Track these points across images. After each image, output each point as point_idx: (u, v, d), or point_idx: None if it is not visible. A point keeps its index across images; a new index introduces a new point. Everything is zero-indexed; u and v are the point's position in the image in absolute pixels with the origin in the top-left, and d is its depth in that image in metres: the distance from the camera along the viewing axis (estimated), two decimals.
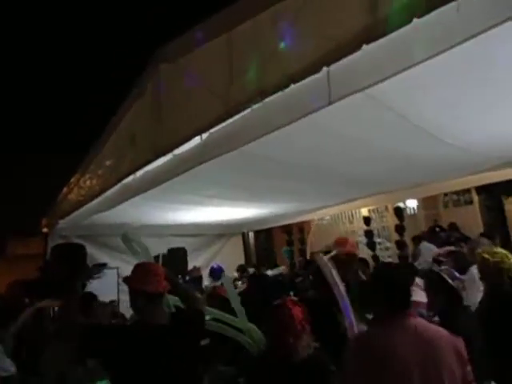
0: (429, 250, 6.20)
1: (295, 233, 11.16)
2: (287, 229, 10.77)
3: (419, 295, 2.89)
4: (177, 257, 5.99)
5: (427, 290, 2.76)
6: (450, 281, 2.63)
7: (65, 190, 4.75)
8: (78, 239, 5.34)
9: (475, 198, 8.51)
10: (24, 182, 10.78)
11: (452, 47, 1.42)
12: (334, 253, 2.74)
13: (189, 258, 6.37)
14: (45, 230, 5.32)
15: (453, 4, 1.25)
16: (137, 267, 2.23)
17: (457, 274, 2.81)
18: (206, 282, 6.42)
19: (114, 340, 1.99)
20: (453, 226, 7.88)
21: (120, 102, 3.49)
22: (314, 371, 2.00)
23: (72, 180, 4.54)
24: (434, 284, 2.69)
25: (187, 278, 5.94)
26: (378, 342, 1.76)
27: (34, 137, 10.81)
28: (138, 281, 2.10)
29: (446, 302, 2.57)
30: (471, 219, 8.28)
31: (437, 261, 5.00)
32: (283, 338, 2.02)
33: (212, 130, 2.31)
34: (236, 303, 2.75)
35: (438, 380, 1.61)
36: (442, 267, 2.92)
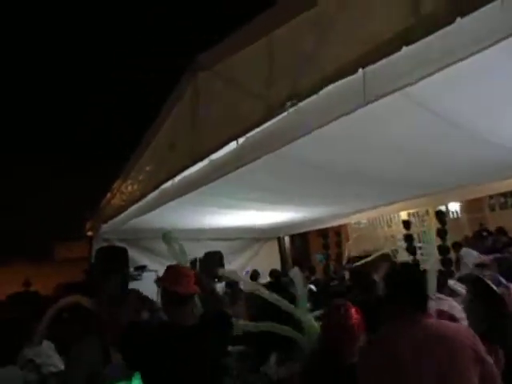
0: (471, 256, 5.92)
1: (331, 236, 11.02)
2: (323, 232, 10.66)
3: (447, 305, 2.80)
4: (213, 260, 6.08)
5: (471, 296, 2.65)
6: (494, 287, 2.49)
7: (108, 195, 4.95)
8: (120, 243, 5.55)
9: None
10: (68, 187, 11.33)
11: (493, 44, 1.37)
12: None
13: (225, 262, 6.45)
14: (89, 233, 5.56)
15: (496, 2, 1.21)
16: (168, 269, 2.30)
17: (502, 280, 2.64)
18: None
19: (142, 342, 2.03)
20: (500, 230, 7.48)
21: (158, 111, 3.61)
22: None
23: (114, 185, 4.72)
24: (477, 290, 2.56)
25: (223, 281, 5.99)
26: (388, 346, 1.75)
27: (80, 144, 11.29)
28: (169, 281, 2.16)
29: (489, 309, 2.43)
30: None
31: (480, 265, 4.76)
32: (340, 340, 2.03)
33: (248, 135, 2.35)
34: (302, 291, 2.80)
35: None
36: (486, 273, 2.76)
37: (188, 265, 3.52)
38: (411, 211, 8.93)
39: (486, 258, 4.85)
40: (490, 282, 2.48)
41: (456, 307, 2.87)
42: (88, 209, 5.77)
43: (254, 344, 2.98)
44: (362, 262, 4.64)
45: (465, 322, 2.58)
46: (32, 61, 9.02)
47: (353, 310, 2.12)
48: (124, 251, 5.15)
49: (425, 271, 2.00)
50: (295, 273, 3.18)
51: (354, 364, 1.96)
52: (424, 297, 1.84)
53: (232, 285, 5.53)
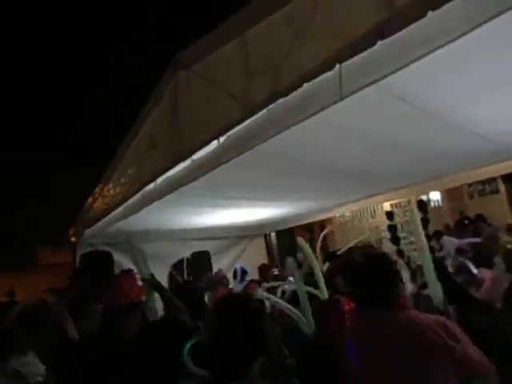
0: (451, 244, 6.07)
1: (317, 230, 11.12)
2: (309, 227, 10.75)
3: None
4: (201, 260, 6.08)
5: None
6: (451, 275, 2.52)
7: (90, 199, 4.88)
8: (105, 247, 5.48)
9: (502, 186, 8.28)
10: (50, 192, 11.12)
11: (464, 34, 1.41)
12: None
13: (212, 261, 6.45)
14: (72, 239, 5.47)
15: None
16: (109, 285, 2.26)
17: (471, 266, 2.67)
18: (231, 284, 6.47)
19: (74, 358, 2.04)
20: (480, 217, 7.69)
21: (138, 111, 3.57)
22: None
23: (96, 189, 4.66)
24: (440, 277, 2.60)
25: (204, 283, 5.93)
26: (360, 338, 1.77)
27: (62, 149, 11.10)
28: (108, 297, 2.13)
29: (451, 297, 2.46)
30: (498, 209, 8.06)
31: (459, 250, 4.88)
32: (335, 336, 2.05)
33: (229, 133, 2.35)
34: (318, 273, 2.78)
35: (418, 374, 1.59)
36: (460, 259, 2.82)
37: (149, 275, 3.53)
38: (394, 202, 9.07)
39: (463, 243, 4.99)
40: (450, 270, 2.51)
41: None
42: (71, 213, 5.68)
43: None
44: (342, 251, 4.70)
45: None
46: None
47: (348, 307, 2.12)
48: (109, 255, 5.10)
49: (388, 260, 1.91)
50: (290, 263, 3.17)
51: None
52: (385, 290, 1.78)
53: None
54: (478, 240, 4.87)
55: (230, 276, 6.69)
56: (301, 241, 3.00)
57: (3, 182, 10.44)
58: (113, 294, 2.12)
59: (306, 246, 2.92)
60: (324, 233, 6.68)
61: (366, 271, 1.83)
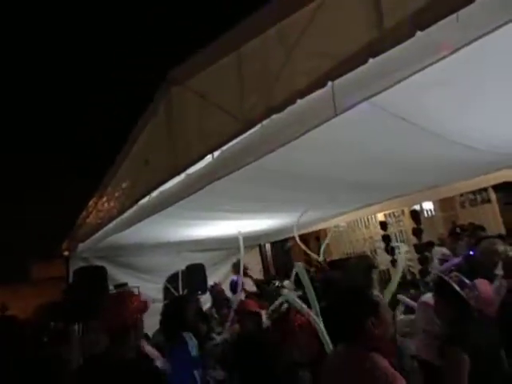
0: (438, 254, 6.11)
1: (312, 241, 11.11)
2: (303, 238, 10.73)
3: None
4: (196, 273, 6.04)
5: (436, 297, 2.70)
6: (458, 289, 2.51)
7: (84, 213, 4.85)
8: (98, 261, 5.44)
9: (493, 196, 8.36)
10: (44, 206, 11.03)
11: (454, 52, 1.45)
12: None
13: (207, 273, 6.41)
14: (65, 253, 5.42)
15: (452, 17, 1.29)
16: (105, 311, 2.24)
17: (467, 282, 2.67)
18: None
19: None
20: (476, 226, 7.66)
21: (131, 125, 3.58)
22: None
23: (90, 203, 4.64)
24: (443, 292, 2.57)
25: (207, 293, 5.95)
26: (328, 370, 1.81)
27: (54, 162, 11.05)
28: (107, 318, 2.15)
29: (454, 312, 2.43)
30: (490, 218, 8.13)
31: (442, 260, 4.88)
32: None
33: (223, 148, 2.37)
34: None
35: None
36: (452, 274, 2.80)
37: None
38: (387, 212, 9.12)
39: (455, 259, 4.98)
40: (454, 284, 2.50)
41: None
42: (64, 228, 5.64)
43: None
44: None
45: None
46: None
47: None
48: (102, 270, 5.05)
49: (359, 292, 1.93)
50: (299, 266, 3.11)
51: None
52: (343, 328, 1.77)
53: (218, 305, 5.48)
54: (471, 253, 4.85)
55: (225, 287, 6.68)
56: (299, 266, 3.01)
57: None
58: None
59: (303, 272, 2.91)
60: (325, 243, 6.75)
61: (335, 307, 1.87)
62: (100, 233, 4.45)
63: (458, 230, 7.69)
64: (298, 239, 5.37)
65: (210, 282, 6.21)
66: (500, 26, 1.31)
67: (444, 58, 1.50)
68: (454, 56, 1.48)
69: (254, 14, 2.09)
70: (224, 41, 2.33)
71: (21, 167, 10.93)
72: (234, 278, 6.80)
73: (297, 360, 2.50)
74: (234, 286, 6.50)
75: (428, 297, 3.35)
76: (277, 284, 6.24)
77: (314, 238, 11.07)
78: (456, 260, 4.89)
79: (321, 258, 5.39)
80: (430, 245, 7.25)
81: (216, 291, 5.82)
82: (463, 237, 7.15)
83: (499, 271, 3.35)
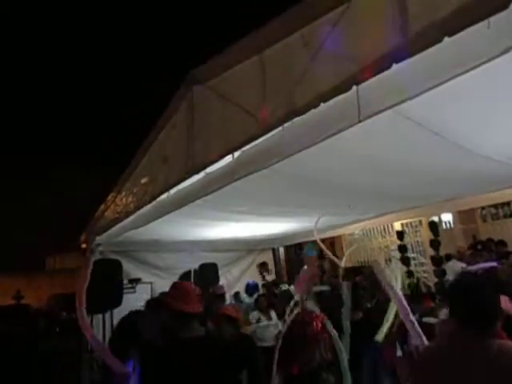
0: (455, 268, 5.98)
1: (326, 246, 11.02)
2: (307, 243, 10.64)
3: None
4: (208, 272, 6.07)
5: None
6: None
7: (102, 207, 4.93)
8: (114, 255, 5.51)
9: None
10: (62, 199, 11.26)
11: (483, 63, 1.41)
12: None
13: (220, 273, 6.44)
14: (83, 245, 5.52)
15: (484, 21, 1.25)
16: (176, 286, 2.28)
17: None
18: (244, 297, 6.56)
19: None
20: (498, 242, 7.44)
21: (153, 122, 3.63)
22: None
23: (109, 198, 4.71)
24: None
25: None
26: (444, 359, 1.67)
27: (72, 156, 11.28)
28: (175, 299, 2.16)
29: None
30: None
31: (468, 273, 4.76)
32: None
33: (244, 149, 2.37)
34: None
35: None
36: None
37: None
38: (404, 222, 8.97)
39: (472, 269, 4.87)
40: None
41: None
42: (82, 220, 5.74)
43: None
44: None
45: None
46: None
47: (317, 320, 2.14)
48: (118, 264, 5.13)
49: (492, 285, 1.79)
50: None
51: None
52: (489, 315, 1.67)
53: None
54: (492, 264, 4.74)
55: (241, 288, 6.74)
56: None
57: (14, 183, 10.62)
58: (187, 302, 2.15)
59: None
60: (350, 250, 6.70)
61: (475, 293, 1.72)
62: (117, 227, 4.51)
63: (479, 246, 7.44)
64: (320, 243, 5.32)
65: (222, 282, 6.25)
66: None
67: (473, 68, 1.47)
68: (482, 67, 1.45)
69: (279, 17, 2.10)
70: (247, 43, 2.34)
71: (40, 162, 11.20)
72: (250, 281, 6.85)
73: (319, 362, 2.51)
74: (248, 289, 6.57)
75: (445, 312, 3.28)
76: (285, 288, 6.24)
77: (328, 244, 10.96)
78: (484, 265, 4.78)
79: (342, 265, 5.36)
80: (449, 258, 7.08)
81: (218, 292, 5.83)
82: (483, 252, 6.96)
83: None
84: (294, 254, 11.30)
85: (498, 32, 1.32)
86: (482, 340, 1.60)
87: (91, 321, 4.93)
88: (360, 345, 3.31)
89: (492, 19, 1.24)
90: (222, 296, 5.87)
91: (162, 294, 2.31)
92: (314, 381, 2.38)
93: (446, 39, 1.38)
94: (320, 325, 2.53)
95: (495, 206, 8.19)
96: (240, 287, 6.96)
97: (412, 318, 2.27)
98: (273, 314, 5.50)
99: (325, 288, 5.37)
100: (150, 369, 2.04)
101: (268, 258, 8.28)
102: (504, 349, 1.56)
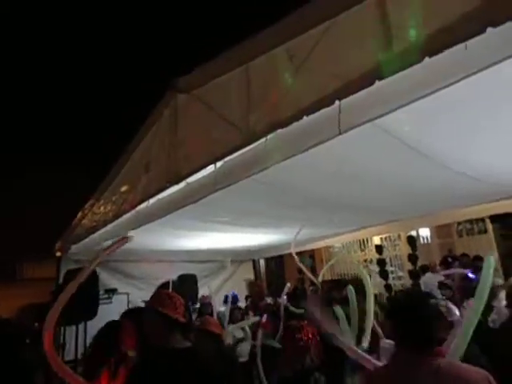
0: (430, 280, 6.12)
1: (306, 260, 11.04)
2: (297, 255, 10.64)
3: None
4: (187, 283, 5.98)
5: None
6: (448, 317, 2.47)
7: (79, 214, 4.82)
8: (90, 264, 5.37)
9: (489, 226, 8.38)
10: (37, 205, 10.94)
11: (459, 80, 1.46)
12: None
13: (199, 284, 6.35)
14: (58, 253, 5.37)
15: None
16: (162, 294, 2.23)
17: (457, 312, 2.62)
18: (222, 308, 6.41)
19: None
20: (475, 258, 7.62)
21: (134, 131, 3.59)
22: None
23: (86, 205, 4.61)
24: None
25: (198, 304, 5.90)
26: (389, 380, 1.68)
27: (50, 160, 11.03)
28: (165, 307, 2.11)
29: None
30: (486, 248, 8.12)
31: (444, 286, 4.87)
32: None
33: (226, 159, 2.36)
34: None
35: None
36: (442, 302, 2.72)
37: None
38: (383, 236, 9.10)
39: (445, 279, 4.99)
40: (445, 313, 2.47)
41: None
42: (57, 228, 5.59)
43: None
44: None
45: None
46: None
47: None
48: (94, 273, 4.99)
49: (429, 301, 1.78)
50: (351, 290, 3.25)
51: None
52: (430, 333, 1.65)
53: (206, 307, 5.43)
54: (466, 271, 4.83)
55: (219, 299, 6.62)
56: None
57: None
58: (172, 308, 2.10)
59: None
60: (328, 265, 6.76)
61: (412, 311, 1.70)
62: (94, 235, 4.41)
63: (449, 259, 7.67)
64: (295, 257, 5.31)
65: (202, 293, 6.16)
66: (504, 59, 1.33)
67: (451, 84, 1.51)
68: (461, 84, 1.49)
69: (265, 30, 2.12)
70: (234, 53, 2.36)
71: (13, 166, 10.89)
72: (231, 292, 6.76)
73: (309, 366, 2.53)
74: (232, 299, 6.47)
75: None
76: (268, 301, 6.20)
77: (307, 257, 10.99)
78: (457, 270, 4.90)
79: (320, 279, 5.35)
80: (425, 270, 7.21)
81: (203, 304, 5.75)
82: (455, 265, 7.14)
83: (497, 303, 3.34)
84: (274, 267, 11.28)
85: (475, 50, 1.37)
86: (421, 360, 1.58)
87: (64, 332, 4.77)
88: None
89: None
90: (209, 305, 5.80)
91: (146, 302, 2.25)
92: (306, 380, 2.36)
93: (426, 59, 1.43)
94: (310, 332, 2.55)
95: (470, 221, 8.42)
96: (220, 299, 6.87)
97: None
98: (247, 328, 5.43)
99: None
100: (136, 379, 1.97)
101: (249, 269, 8.24)
102: (443, 369, 1.54)
